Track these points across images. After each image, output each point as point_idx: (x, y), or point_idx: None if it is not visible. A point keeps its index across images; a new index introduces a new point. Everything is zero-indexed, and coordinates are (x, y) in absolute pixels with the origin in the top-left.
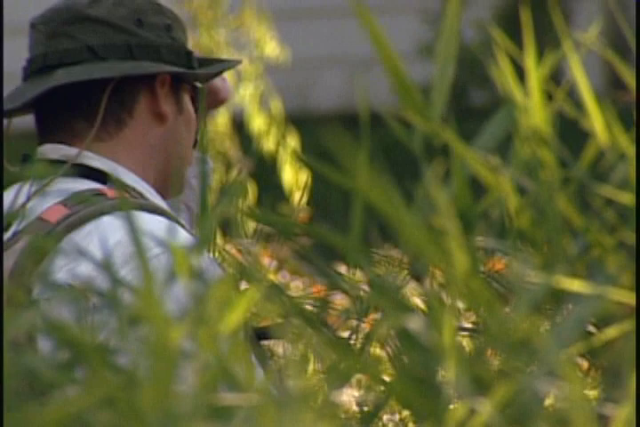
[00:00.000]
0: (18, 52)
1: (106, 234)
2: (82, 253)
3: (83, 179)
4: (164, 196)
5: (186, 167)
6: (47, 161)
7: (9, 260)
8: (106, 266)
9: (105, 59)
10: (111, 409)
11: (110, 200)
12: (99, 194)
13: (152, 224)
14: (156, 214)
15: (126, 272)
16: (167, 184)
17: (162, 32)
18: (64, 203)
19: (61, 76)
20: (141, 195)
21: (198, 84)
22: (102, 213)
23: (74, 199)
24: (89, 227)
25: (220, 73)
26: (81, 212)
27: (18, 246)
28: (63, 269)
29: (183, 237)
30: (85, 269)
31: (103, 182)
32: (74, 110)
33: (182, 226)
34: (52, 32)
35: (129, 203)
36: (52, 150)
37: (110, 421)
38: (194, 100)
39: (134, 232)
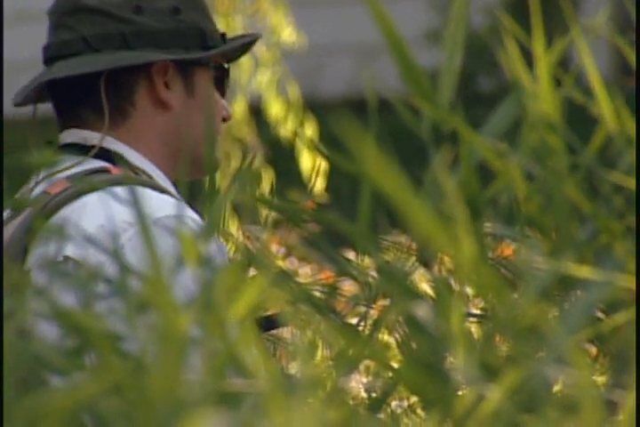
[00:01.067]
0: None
1: (99, 208)
2: (73, 229)
3: (97, 160)
4: (183, 177)
5: (209, 147)
6: (65, 145)
7: (8, 232)
8: (95, 242)
9: (99, 50)
10: (119, 396)
11: (113, 176)
12: (103, 171)
13: (156, 201)
14: (158, 193)
15: (122, 245)
16: (179, 166)
17: (165, 16)
18: (68, 178)
19: (56, 70)
20: (149, 176)
21: (225, 65)
22: (97, 188)
23: (78, 175)
24: (84, 200)
25: (234, 50)
26: (78, 186)
27: (18, 219)
28: (53, 245)
29: (190, 215)
30: (73, 247)
31: (111, 161)
32: (79, 101)
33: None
34: (56, 23)
35: (132, 179)
36: (69, 135)
37: (119, 408)
38: (220, 80)
39: (138, 205)
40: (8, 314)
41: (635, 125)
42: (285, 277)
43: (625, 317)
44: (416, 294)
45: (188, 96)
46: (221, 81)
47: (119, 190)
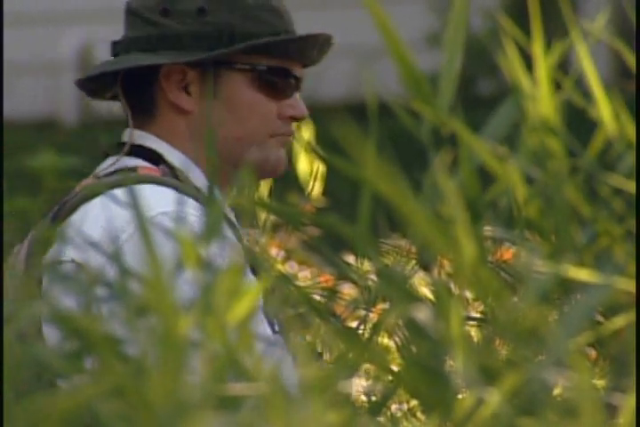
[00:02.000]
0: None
1: (100, 211)
2: (75, 232)
3: (135, 158)
4: (225, 179)
5: (243, 148)
6: (120, 143)
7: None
8: (94, 245)
9: (129, 51)
10: (120, 399)
11: (135, 175)
12: (131, 170)
13: (153, 198)
14: (164, 188)
15: (120, 246)
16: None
17: (190, 18)
18: (97, 175)
19: (92, 69)
20: (180, 172)
21: (261, 67)
22: (99, 191)
23: (107, 173)
24: (90, 203)
25: (298, 51)
26: (97, 184)
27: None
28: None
29: (192, 207)
30: (77, 251)
31: (151, 160)
32: (117, 100)
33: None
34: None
35: (132, 178)
36: (125, 133)
37: (119, 410)
38: (267, 81)
39: (134, 205)
40: (9, 317)
41: (634, 129)
42: (285, 280)
43: (625, 320)
44: (416, 298)
45: (210, 98)
46: (269, 82)
47: (119, 192)
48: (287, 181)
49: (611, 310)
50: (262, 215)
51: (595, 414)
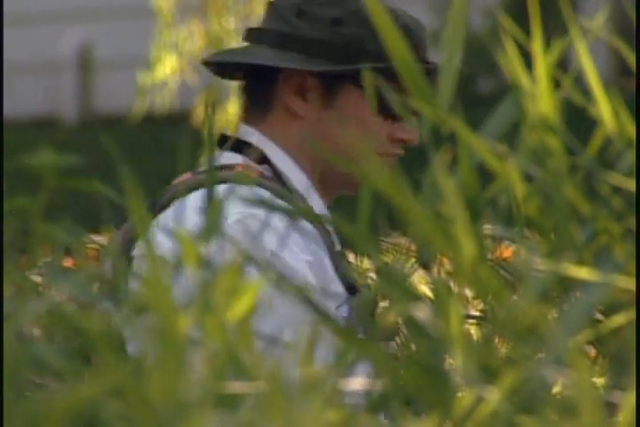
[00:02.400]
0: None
1: (191, 209)
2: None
3: (238, 155)
4: (326, 193)
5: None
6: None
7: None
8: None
9: (260, 42)
10: (119, 398)
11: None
12: (229, 167)
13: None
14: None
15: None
16: (321, 179)
17: (323, 25)
18: (194, 172)
19: (222, 55)
20: (280, 173)
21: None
22: (200, 186)
23: (203, 170)
24: (181, 201)
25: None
26: (189, 182)
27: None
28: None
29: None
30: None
31: (254, 159)
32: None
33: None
34: None
35: (236, 177)
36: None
37: (119, 410)
38: (383, 101)
39: (209, 214)
40: (8, 315)
41: (634, 127)
42: (285, 278)
43: (624, 318)
44: (415, 296)
45: (325, 108)
46: (385, 102)
47: (196, 195)
48: None
49: (610, 309)
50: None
51: (594, 413)
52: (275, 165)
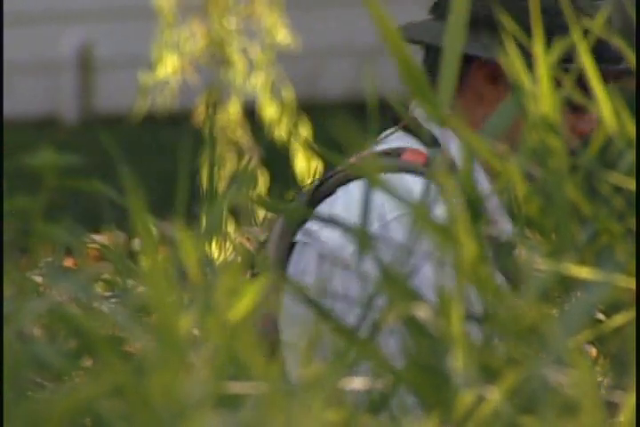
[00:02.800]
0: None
1: (353, 195)
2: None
3: (410, 140)
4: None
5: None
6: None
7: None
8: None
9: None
10: (120, 398)
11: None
12: (395, 153)
13: (408, 185)
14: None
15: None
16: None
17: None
18: (357, 156)
19: (417, 30)
20: (450, 160)
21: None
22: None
23: (374, 153)
24: (354, 184)
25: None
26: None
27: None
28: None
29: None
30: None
31: (425, 142)
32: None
33: None
34: None
35: (399, 166)
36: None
37: (119, 410)
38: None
39: (366, 195)
40: (8, 315)
41: (635, 126)
42: (285, 277)
43: (625, 318)
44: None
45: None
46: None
47: (357, 184)
48: (285, 178)
49: (611, 308)
50: (260, 213)
51: (595, 413)
52: (446, 150)
